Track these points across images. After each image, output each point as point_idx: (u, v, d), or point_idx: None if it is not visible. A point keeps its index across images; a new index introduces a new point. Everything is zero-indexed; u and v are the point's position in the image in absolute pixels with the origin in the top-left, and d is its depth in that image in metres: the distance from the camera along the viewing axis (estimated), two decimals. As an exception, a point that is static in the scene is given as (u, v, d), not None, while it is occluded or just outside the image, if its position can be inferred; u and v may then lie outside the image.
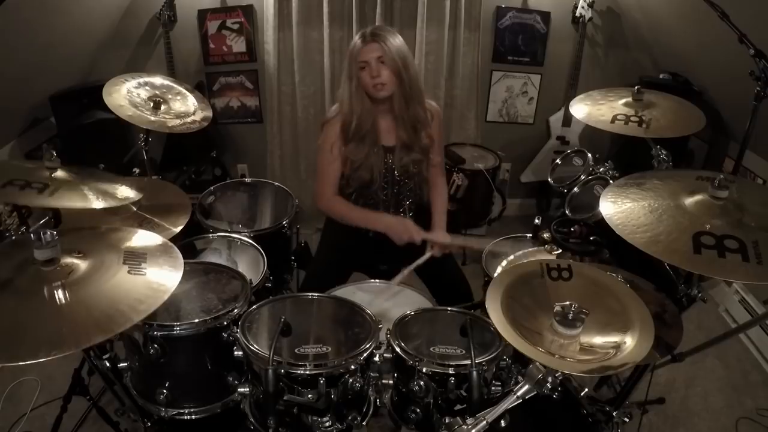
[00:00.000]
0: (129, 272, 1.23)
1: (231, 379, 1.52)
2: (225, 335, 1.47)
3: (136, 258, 1.28)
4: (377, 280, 1.91)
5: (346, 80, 1.90)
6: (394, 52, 1.83)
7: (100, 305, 1.13)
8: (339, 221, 2.05)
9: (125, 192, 1.61)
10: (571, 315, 1.16)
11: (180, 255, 1.34)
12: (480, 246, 2.10)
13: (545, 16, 3.27)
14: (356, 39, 1.86)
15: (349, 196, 2.07)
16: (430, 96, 3.19)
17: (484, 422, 1.16)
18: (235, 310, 1.49)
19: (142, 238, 1.39)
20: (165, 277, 1.24)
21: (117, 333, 1.09)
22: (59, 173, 1.51)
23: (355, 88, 1.87)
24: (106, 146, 2.70)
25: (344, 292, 1.81)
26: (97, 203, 1.47)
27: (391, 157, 2.02)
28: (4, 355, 1.00)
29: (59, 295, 1.13)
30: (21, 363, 0.97)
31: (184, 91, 2.22)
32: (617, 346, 1.15)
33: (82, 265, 1.21)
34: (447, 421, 1.28)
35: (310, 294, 1.63)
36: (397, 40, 1.86)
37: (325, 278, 1.94)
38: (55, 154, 1.53)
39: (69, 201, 1.43)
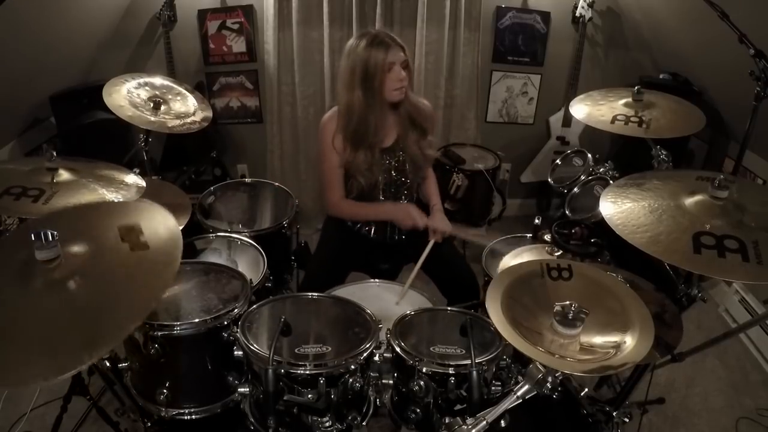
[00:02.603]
0: (131, 249, 1.21)
1: (231, 379, 1.52)
2: (225, 335, 1.47)
3: (131, 232, 1.26)
4: (377, 280, 1.91)
5: (361, 84, 1.84)
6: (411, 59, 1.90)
7: (125, 291, 1.13)
8: (351, 220, 2.11)
9: (132, 179, 1.62)
10: (571, 315, 1.16)
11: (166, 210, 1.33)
12: (478, 240, 2.12)
13: (545, 16, 3.27)
14: (372, 41, 1.81)
15: (347, 195, 2.07)
16: (430, 96, 3.24)
17: (484, 422, 1.16)
18: (236, 310, 1.49)
19: (127, 210, 1.37)
20: (165, 232, 1.24)
21: (155, 307, 1.10)
22: (61, 172, 1.51)
23: (377, 91, 1.84)
24: (106, 146, 2.69)
25: (345, 292, 1.81)
26: (111, 198, 1.47)
27: (388, 158, 2.02)
28: (51, 370, 0.97)
29: (79, 292, 1.12)
30: (73, 372, 0.97)
31: (184, 91, 2.22)
32: (617, 346, 1.16)
33: (85, 255, 1.20)
34: (447, 421, 1.28)
35: (310, 294, 1.63)
36: None
37: (324, 278, 1.95)
38: (55, 154, 1.54)
39: (74, 202, 1.43)
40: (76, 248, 1.21)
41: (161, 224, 1.29)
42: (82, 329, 1.05)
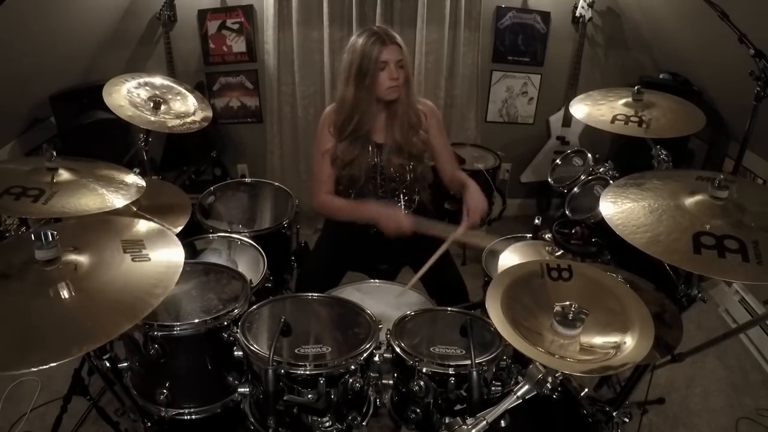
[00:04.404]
0: (133, 260, 1.23)
1: (231, 379, 1.52)
2: (225, 335, 1.47)
3: (134, 246, 1.28)
4: (377, 280, 1.91)
5: (354, 79, 1.85)
6: (409, 58, 1.89)
7: (120, 295, 1.14)
8: (334, 219, 2.05)
9: (132, 179, 1.62)
10: (571, 315, 1.16)
11: (174, 235, 1.34)
12: (477, 244, 2.11)
13: (545, 16, 3.27)
14: (369, 38, 1.82)
15: (342, 192, 2.06)
16: (430, 96, 3.24)
17: (484, 422, 1.16)
18: (236, 311, 1.49)
19: (134, 227, 1.39)
20: (170, 255, 1.25)
21: (143, 317, 1.11)
22: (61, 172, 1.52)
23: (368, 87, 1.84)
24: (106, 146, 2.69)
25: (344, 292, 1.81)
26: (111, 198, 1.47)
27: (381, 154, 2.00)
28: (36, 359, 0.99)
29: (73, 292, 1.13)
30: (54, 364, 0.98)
31: (184, 91, 2.22)
32: (617, 346, 1.15)
33: (85, 260, 1.21)
34: (447, 421, 1.28)
35: (310, 294, 1.63)
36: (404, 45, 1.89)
37: (318, 277, 1.95)
38: (55, 154, 1.54)
39: (74, 202, 1.43)
40: (75, 254, 1.22)
41: (166, 246, 1.31)
42: (63, 331, 1.06)
